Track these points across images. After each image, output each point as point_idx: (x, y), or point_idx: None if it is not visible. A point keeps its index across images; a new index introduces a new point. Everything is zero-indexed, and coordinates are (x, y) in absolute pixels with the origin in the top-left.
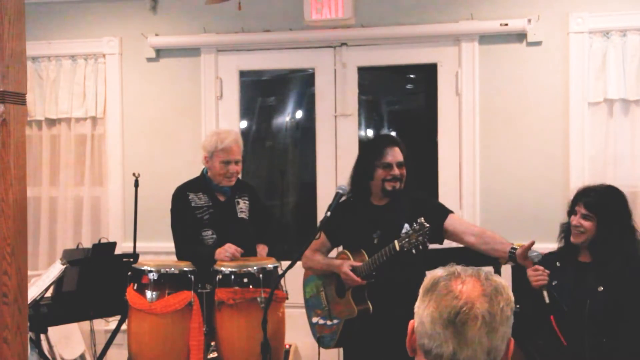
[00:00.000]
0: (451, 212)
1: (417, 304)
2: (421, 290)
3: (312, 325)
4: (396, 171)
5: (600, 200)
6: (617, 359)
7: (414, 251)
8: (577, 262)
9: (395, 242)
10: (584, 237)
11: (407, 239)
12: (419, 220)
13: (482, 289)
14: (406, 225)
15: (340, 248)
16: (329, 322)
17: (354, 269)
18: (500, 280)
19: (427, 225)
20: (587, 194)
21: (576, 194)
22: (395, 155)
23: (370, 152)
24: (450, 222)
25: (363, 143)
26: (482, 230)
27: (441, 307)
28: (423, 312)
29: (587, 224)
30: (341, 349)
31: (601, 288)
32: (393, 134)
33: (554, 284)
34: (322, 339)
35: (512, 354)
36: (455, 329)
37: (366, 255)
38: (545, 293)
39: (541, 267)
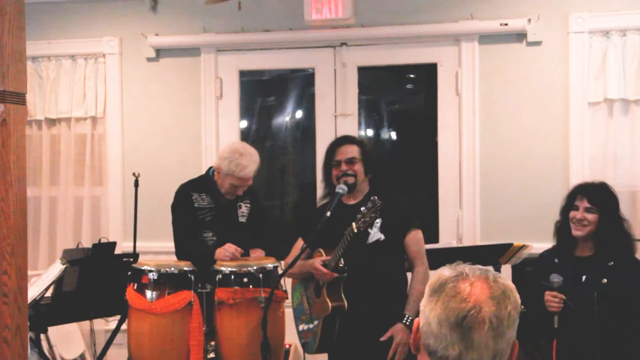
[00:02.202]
0: (416, 228)
1: (423, 302)
2: (427, 290)
3: (299, 333)
4: (344, 167)
5: (601, 195)
6: (629, 351)
7: (369, 230)
8: (576, 257)
9: (353, 224)
10: (587, 229)
11: (362, 219)
12: (371, 198)
13: (490, 292)
14: (362, 208)
15: None
16: (310, 326)
17: (325, 264)
18: (508, 282)
19: (380, 201)
20: (588, 189)
21: (574, 190)
22: (343, 152)
23: (326, 155)
24: (408, 240)
25: None
26: (416, 274)
27: (449, 309)
28: (430, 312)
29: (591, 216)
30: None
31: (605, 280)
32: (393, 134)
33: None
34: (306, 345)
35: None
36: (462, 331)
37: None
38: (555, 318)
39: (560, 295)
